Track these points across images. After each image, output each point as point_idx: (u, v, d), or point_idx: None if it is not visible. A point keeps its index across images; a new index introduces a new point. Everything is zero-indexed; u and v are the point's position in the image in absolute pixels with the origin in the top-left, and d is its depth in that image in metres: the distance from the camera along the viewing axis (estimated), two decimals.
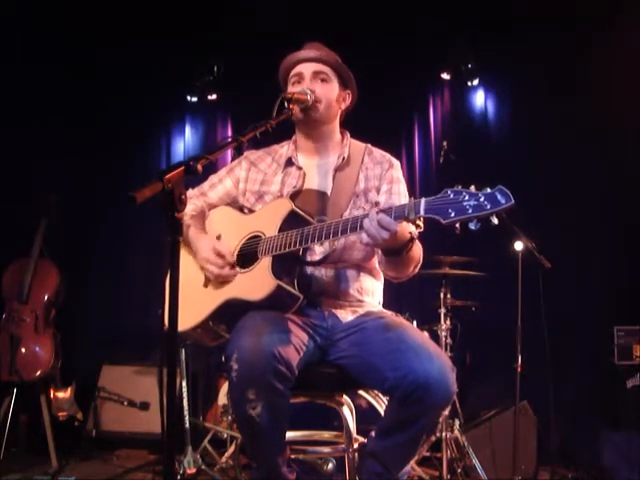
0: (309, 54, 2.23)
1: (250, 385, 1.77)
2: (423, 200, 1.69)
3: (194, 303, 2.07)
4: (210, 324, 2.10)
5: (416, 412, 1.82)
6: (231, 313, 1.98)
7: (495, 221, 1.60)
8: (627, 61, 4.23)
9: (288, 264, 2.00)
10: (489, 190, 1.61)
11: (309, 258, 2.10)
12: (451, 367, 1.84)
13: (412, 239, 1.89)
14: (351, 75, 2.29)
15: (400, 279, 2.13)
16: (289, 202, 2.05)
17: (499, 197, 1.59)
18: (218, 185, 2.33)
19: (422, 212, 1.68)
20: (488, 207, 1.59)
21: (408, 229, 1.85)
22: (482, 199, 1.60)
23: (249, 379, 1.76)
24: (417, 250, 2.00)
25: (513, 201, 1.58)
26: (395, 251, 1.90)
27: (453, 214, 1.62)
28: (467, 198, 1.62)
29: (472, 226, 1.62)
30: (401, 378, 1.79)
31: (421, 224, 1.75)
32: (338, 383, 2.07)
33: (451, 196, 1.65)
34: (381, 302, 2.26)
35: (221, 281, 2.07)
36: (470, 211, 1.61)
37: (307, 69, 2.21)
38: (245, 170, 2.31)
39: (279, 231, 2.00)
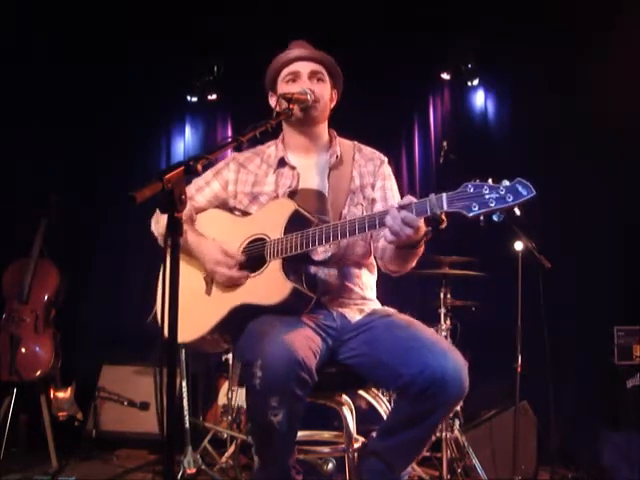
0: (305, 53, 2.22)
1: (274, 393, 1.74)
2: (444, 195, 1.70)
3: (197, 313, 2.03)
4: (216, 334, 2.05)
5: (429, 408, 1.82)
6: (240, 320, 1.94)
7: (518, 212, 1.63)
8: (627, 61, 4.22)
9: (296, 265, 1.99)
10: (508, 182, 1.63)
11: (313, 258, 2.09)
12: (464, 362, 1.85)
13: (426, 233, 1.89)
14: (341, 74, 2.29)
15: (400, 273, 2.14)
16: (292, 202, 2.02)
17: (520, 188, 1.61)
18: (205, 188, 2.28)
19: (446, 207, 1.69)
20: (510, 199, 1.61)
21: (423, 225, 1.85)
22: (503, 192, 1.62)
23: (274, 387, 1.73)
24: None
25: (535, 192, 1.60)
26: (411, 245, 1.90)
27: (477, 208, 1.64)
28: (488, 191, 1.64)
29: (496, 218, 1.64)
30: (417, 374, 1.79)
31: (445, 219, 1.76)
32: (339, 383, 2.07)
33: (471, 190, 1.66)
34: (375, 293, 2.27)
35: (231, 284, 2.03)
36: (493, 204, 1.63)
37: (304, 68, 2.20)
38: (234, 172, 2.28)
39: (285, 233, 1.97)
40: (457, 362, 1.83)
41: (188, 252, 2.14)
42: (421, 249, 1.97)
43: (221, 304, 2.02)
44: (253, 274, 2.01)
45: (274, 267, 1.96)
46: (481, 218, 1.65)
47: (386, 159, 2.32)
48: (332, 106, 2.31)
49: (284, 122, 2.26)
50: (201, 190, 2.29)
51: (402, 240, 1.79)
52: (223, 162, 2.33)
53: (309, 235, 1.93)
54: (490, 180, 1.65)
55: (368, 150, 2.33)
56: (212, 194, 2.28)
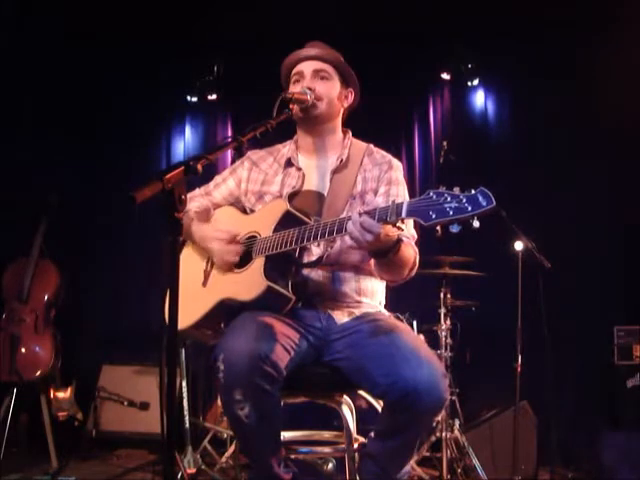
0: (309, 52, 2.22)
1: (236, 386, 1.77)
2: (405, 202, 1.68)
3: (192, 302, 2.07)
4: (206, 323, 2.11)
5: (407, 419, 1.81)
6: (226, 313, 1.99)
7: (476, 224, 1.57)
8: (627, 61, 4.22)
9: (282, 265, 2.00)
10: (472, 191, 1.59)
11: (306, 259, 2.09)
12: (443, 373, 1.83)
13: (399, 241, 1.87)
14: (353, 73, 2.27)
15: (396, 282, 2.12)
16: (284, 203, 2.05)
17: (480, 199, 1.56)
18: (222, 185, 2.33)
19: (404, 214, 1.66)
20: (469, 209, 1.56)
21: (393, 231, 1.82)
22: (464, 201, 1.57)
23: (235, 380, 1.76)
24: (408, 253, 1.99)
25: (494, 203, 1.55)
26: (381, 253, 1.88)
27: (434, 216, 1.60)
28: (449, 200, 1.59)
29: (453, 229, 1.59)
30: (391, 385, 1.79)
31: (402, 226, 1.73)
32: (337, 383, 2.07)
33: (433, 197, 1.62)
34: (382, 302, 2.25)
35: (225, 260, 2.05)
36: (451, 213, 1.58)
37: (307, 67, 2.21)
38: (247, 170, 2.31)
39: (274, 232, 2.00)
40: (433, 374, 1.79)
41: (192, 237, 2.20)
42: (399, 257, 1.92)
43: (211, 296, 2.07)
44: (239, 270, 2.05)
45: (257, 265, 2.00)
46: (437, 228, 1.61)
47: (397, 164, 2.26)
48: (345, 105, 2.29)
49: (295, 122, 2.26)
50: (218, 186, 2.33)
51: (363, 246, 1.77)
52: (239, 160, 2.36)
53: (289, 235, 1.94)
54: (457, 188, 1.60)
55: (379, 154, 2.28)
56: (227, 191, 2.32)
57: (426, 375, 1.77)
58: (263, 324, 1.88)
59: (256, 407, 1.78)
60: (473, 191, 1.59)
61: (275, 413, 1.86)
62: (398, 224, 1.71)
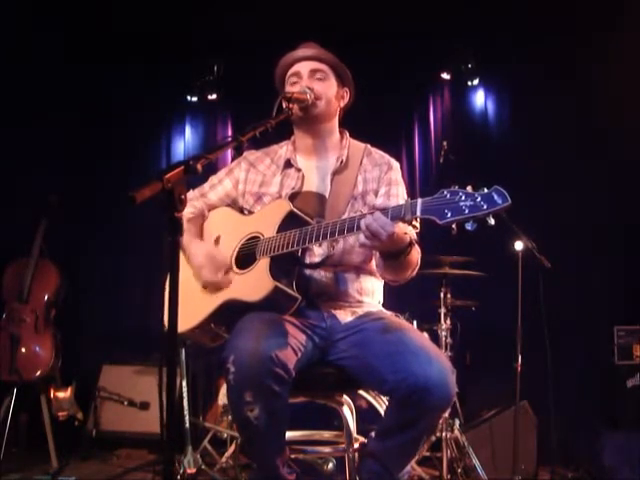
0: (306, 53, 2.22)
1: (247, 387, 1.77)
2: (419, 200, 1.69)
3: (193, 304, 2.06)
4: (209, 325, 2.10)
5: (416, 414, 1.81)
6: (230, 314, 1.98)
7: (492, 222, 1.60)
8: (627, 61, 4.23)
9: (286, 265, 2.00)
10: (486, 190, 1.61)
11: (308, 260, 2.10)
12: (451, 369, 1.83)
13: (411, 243, 1.88)
14: (348, 73, 2.28)
15: (398, 282, 2.12)
16: (288, 203, 2.05)
17: (496, 197, 1.59)
18: (218, 186, 2.32)
19: (418, 212, 1.68)
20: (485, 207, 1.59)
21: (405, 230, 1.84)
22: (479, 199, 1.60)
23: (246, 381, 1.76)
24: (415, 254, 1.99)
25: (510, 201, 1.58)
26: (393, 255, 1.89)
27: (450, 214, 1.62)
28: (464, 198, 1.62)
29: (468, 227, 1.61)
30: (400, 381, 1.79)
31: (417, 224, 1.74)
32: (338, 383, 2.07)
33: (447, 196, 1.64)
34: (381, 301, 2.26)
35: (217, 287, 2.06)
36: (467, 211, 1.60)
37: (304, 67, 2.21)
38: (244, 171, 2.30)
39: (277, 232, 2.00)
40: (442, 369, 1.80)
41: (183, 251, 2.17)
42: (409, 259, 1.94)
43: (214, 298, 2.07)
44: (243, 271, 2.05)
45: (261, 265, 1.99)
46: (453, 226, 1.62)
47: (396, 164, 2.28)
48: (342, 105, 2.29)
49: (293, 123, 2.26)
50: (214, 188, 2.32)
51: (376, 245, 1.77)
52: (236, 161, 2.36)
53: (295, 235, 1.94)
54: (469, 187, 1.63)
55: (378, 155, 2.29)
56: (224, 192, 2.31)
57: (436, 371, 1.78)
58: (272, 325, 1.87)
59: (266, 409, 1.78)
60: (486, 190, 1.61)
61: (283, 414, 1.86)
62: (413, 223, 1.72)
